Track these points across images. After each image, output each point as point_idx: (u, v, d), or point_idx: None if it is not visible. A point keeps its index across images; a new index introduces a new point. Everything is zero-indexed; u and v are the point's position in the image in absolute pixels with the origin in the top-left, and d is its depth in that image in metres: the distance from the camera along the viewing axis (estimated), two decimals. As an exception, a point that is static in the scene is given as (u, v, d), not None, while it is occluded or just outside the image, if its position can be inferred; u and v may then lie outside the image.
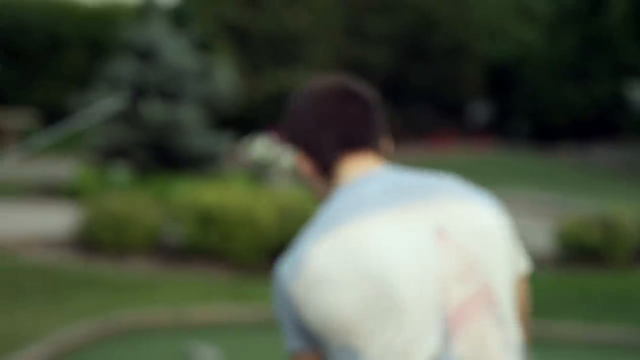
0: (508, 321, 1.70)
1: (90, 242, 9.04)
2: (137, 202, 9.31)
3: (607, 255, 9.00)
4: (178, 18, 17.03)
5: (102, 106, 12.95)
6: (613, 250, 8.99)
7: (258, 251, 9.04)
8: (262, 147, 12.18)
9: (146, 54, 12.66)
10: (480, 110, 20.42)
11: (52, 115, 18.11)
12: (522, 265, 1.80)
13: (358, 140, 1.82)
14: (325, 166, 1.84)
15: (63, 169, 13.95)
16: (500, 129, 20.83)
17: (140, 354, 6.68)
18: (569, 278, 8.89)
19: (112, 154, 12.31)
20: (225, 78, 13.32)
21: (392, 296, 1.63)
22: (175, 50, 12.76)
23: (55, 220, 10.24)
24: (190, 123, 12.34)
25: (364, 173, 1.79)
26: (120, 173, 11.93)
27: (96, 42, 19.38)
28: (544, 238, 9.42)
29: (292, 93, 2.01)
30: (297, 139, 1.88)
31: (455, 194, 1.75)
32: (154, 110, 12.14)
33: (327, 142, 1.83)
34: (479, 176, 13.36)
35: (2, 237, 9.33)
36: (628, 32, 17.74)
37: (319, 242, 1.65)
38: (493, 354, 1.68)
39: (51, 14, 19.55)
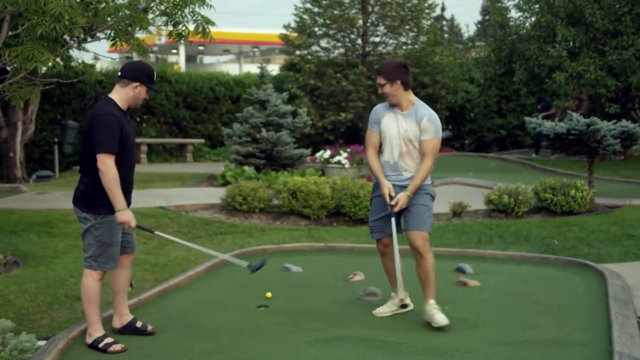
0: (413, 157, 5.34)
1: (231, 206, 10.22)
2: (257, 185, 10.43)
3: (513, 210, 10.44)
4: (279, 83, 19.16)
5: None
6: (517, 207, 10.39)
7: (322, 212, 10.15)
8: (325, 154, 14.32)
9: (262, 103, 14.49)
10: (445, 133, 24.22)
11: (213, 139, 21.67)
12: (430, 137, 5.28)
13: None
14: (407, 88, 5.30)
15: (218, 167, 16.07)
16: (455, 143, 24.90)
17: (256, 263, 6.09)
18: (492, 222, 10.00)
19: (245, 158, 13.95)
20: (304, 117, 14.91)
21: (389, 136, 5.29)
22: (278, 101, 14.41)
23: (213, 194, 11.39)
24: (286, 140, 13.95)
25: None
26: (249, 169, 13.31)
27: (237, 97, 21.73)
28: (479, 201, 10.85)
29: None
30: (400, 78, 5.24)
31: (419, 115, 5.28)
32: (267, 135, 13.74)
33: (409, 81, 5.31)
34: (443, 167, 14.49)
35: (185, 204, 10.72)
36: (526, 87, 20.05)
37: (383, 110, 5.36)
38: (410, 167, 5.26)
39: (212, 80, 21.72)
